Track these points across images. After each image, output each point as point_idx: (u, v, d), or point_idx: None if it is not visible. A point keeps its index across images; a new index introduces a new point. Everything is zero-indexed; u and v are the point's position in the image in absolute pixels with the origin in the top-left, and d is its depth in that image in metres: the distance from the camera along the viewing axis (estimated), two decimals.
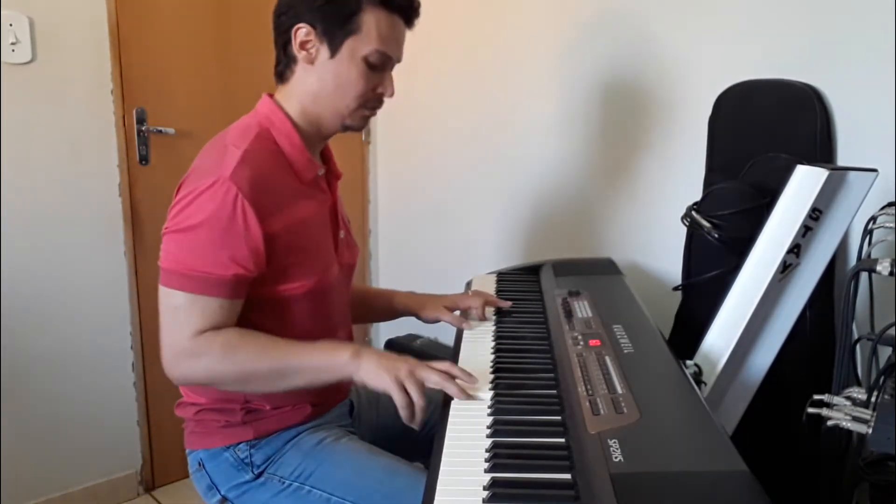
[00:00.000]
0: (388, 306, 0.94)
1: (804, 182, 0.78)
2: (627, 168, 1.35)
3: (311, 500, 0.71)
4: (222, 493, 0.75)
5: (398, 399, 0.63)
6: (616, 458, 0.52)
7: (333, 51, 0.69)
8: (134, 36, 1.40)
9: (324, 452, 0.74)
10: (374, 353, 0.67)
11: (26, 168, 1.29)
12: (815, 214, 0.78)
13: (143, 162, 1.44)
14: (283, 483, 0.73)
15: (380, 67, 0.71)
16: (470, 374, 0.66)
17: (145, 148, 1.44)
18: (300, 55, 0.70)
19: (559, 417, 0.61)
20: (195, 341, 0.65)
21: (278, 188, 0.69)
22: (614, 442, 0.54)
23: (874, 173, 0.77)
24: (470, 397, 0.64)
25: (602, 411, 0.60)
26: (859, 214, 0.80)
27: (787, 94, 1.00)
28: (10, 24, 1.23)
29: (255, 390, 0.71)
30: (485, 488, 0.49)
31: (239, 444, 0.74)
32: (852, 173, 0.76)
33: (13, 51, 1.24)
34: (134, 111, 1.41)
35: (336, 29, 0.68)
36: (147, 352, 1.49)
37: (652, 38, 1.24)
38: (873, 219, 0.79)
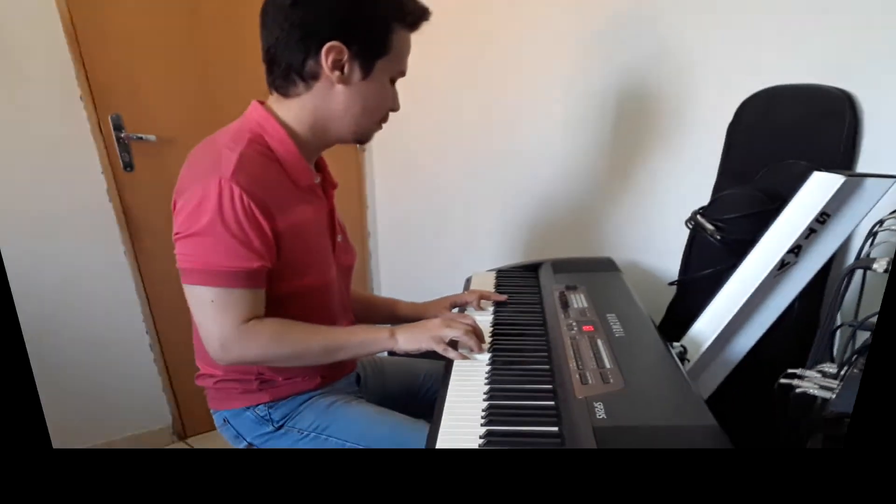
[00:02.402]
0: (391, 313, 0.98)
1: (818, 187, 0.78)
2: (628, 172, 1.33)
3: (328, 446, 0.78)
4: (248, 440, 0.82)
5: (439, 350, 0.74)
6: (600, 415, 0.58)
7: (366, 72, 0.67)
8: (93, 36, 1.27)
9: (337, 412, 0.81)
10: (406, 329, 0.76)
11: (5, 176, 1.23)
12: (822, 218, 0.78)
13: (128, 168, 1.39)
14: (302, 433, 0.80)
15: (393, 85, 0.72)
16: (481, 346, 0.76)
17: (128, 155, 1.38)
18: (333, 75, 0.67)
19: (549, 386, 0.68)
20: (242, 329, 0.68)
21: (278, 190, 0.69)
22: (599, 404, 0.60)
23: (892, 179, 0.75)
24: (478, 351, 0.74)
25: (590, 381, 0.66)
26: (868, 218, 0.78)
27: (817, 100, 0.95)
28: None
29: (305, 364, 0.76)
30: (481, 437, 0.55)
31: (258, 405, 0.81)
32: (869, 179, 0.75)
33: None
34: (109, 117, 1.33)
35: (370, 50, 0.66)
36: (161, 333, 1.55)
37: (666, 41, 1.17)
38: (880, 222, 0.79)
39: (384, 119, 0.74)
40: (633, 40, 1.22)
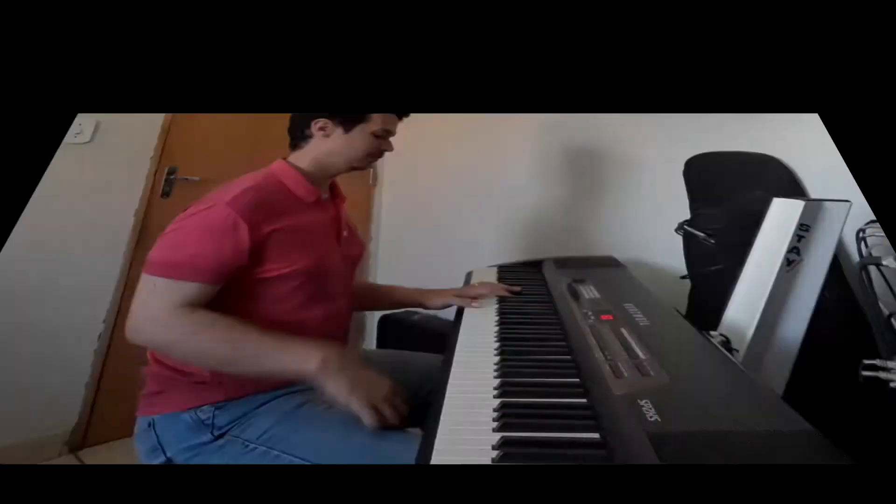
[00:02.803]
0: (391, 297, 1.00)
1: (782, 213, 0.82)
2: (628, 170, 1.34)
3: (280, 463, 0.62)
4: (168, 454, 0.66)
5: (367, 421, 0.60)
6: (651, 417, 0.43)
7: (347, 130, 0.84)
8: (180, 133, 1.52)
9: (305, 416, 0.65)
10: (346, 372, 0.62)
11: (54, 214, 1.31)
12: (804, 229, 0.81)
13: (164, 196, 1.50)
14: (247, 446, 0.64)
15: (384, 137, 0.86)
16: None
17: (170, 187, 1.51)
18: (317, 134, 0.84)
19: (577, 379, 0.52)
20: (168, 313, 0.65)
21: (278, 207, 0.75)
22: (645, 402, 0.45)
23: (847, 203, 0.81)
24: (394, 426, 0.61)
25: (625, 374, 0.51)
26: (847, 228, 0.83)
27: (749, 161, 1.12)
28: (80, 124, 1.35)
29: (207, 366, 0.68)
30: (494, 447, 0.39)
31: (203, 406, 0.67)
32: (827, 203, 0.81)
33: (75, 137, 1.35)
34: (166, 168, 1.51)
35: (350, 120, 0.83)
36: (119, 327, 1.42)
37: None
38: (862, 230, 0.83)
39: (374, 157, 0.87)
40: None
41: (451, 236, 1.67)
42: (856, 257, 0.89)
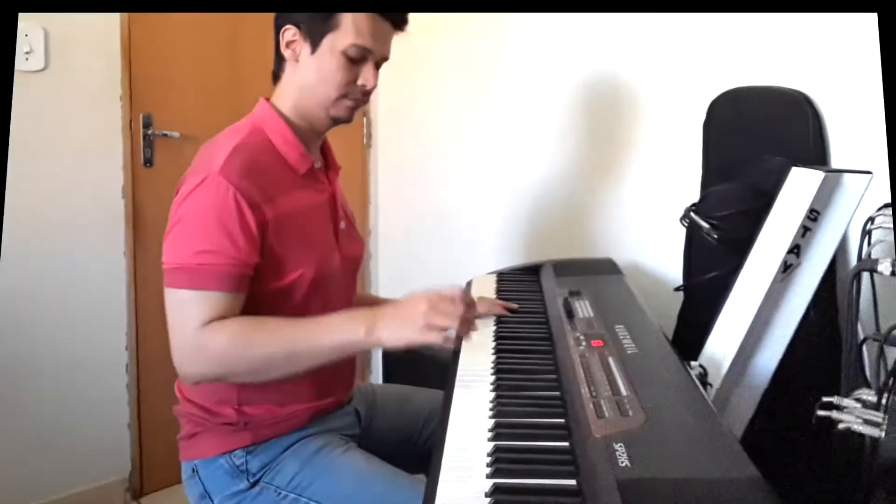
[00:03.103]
0: None
1: (800, 184, 0.79)
2: (626, 170, 1.35)
3: None
4: (216, 502, 0.73)
5: (431, 342, 0.64)
6: (622, 463, 0.50)
7: (314, 47, 0.73)
8: (144, 46, 1.43)
9: (323, 462, 0.72)
10: (387, 318, 0.65)
11: (32, 171, 1.29)
12: (813, 215, 0.79)
13: (147, 164, 1.46)
14: (280, 493, 0.70)
15: (359, 60, 0.74)
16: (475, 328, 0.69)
17: (150, 151, 1.45)
18: (286, 53, 0.75)
19: (562, 420, 0.60)
20: (202, 332, 0.64)
21: (270, 178, 0.70)
22: (620, 446, 0.52)
23: (869, 175, 0.78)
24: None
25: (607, 414, 0.58)
26: (857, 216, 0.81)
27: (778, 100, 1.03)
28: (26, 35, 1.26)
29: (270, 378, 0.68)
30: (486, 495, 0.47)
31: (235, 450, 0.72)
32: (847, 175, 0.77)
33: (27, 59, 1.27)
34: (141, 116, 1.44)
35: (316, 27, 0.72)
36: (142, 354, 1.46)
37: (648, 46, 1.28)
38: (871, 220, 0.80)
39: (356, 95, 0.76)
40: (617, 48, 1.32)
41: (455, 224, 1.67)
42: (854, 260, 0.89)
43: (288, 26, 0.73)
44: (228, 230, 0.65)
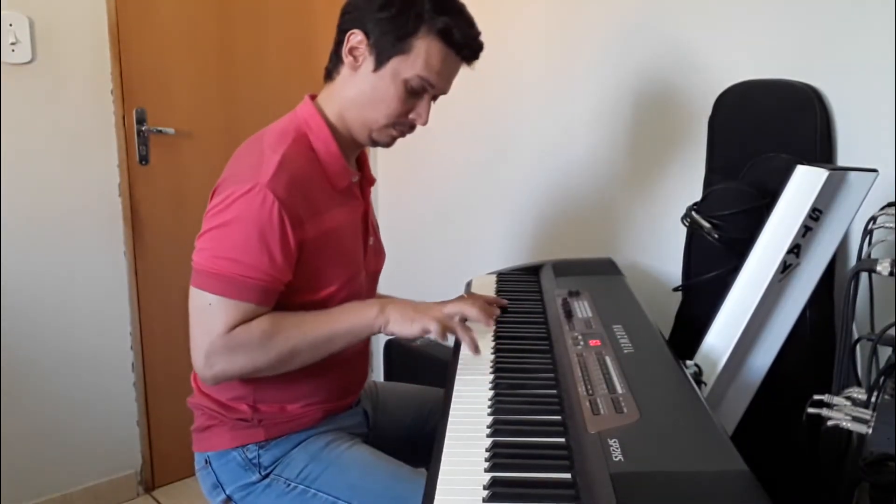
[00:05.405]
0: None
1: (804, 182, 0.79)
2: (628, 169, 1.35)
3: (316, 503, 0.71)
4: (227, 492, 0.75)
5: (436, 335, 0.69)
6: (616, 457, 0.52)
7: (378, 65, 0.70)
8: (134, 36, 1.39)
9: (331, 456, 0.74)
10: (399, 304, 0.71)
11: (26, 169, 1.28)
12: (815, 214, 0.78)
13: (143, 162, 1.44)
14: (289, 485, 0.73)
15: (419, 93, 0.72)
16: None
17: (145, 148, 1.43)
18: (346, 59, 0.71)
19: (559, 417, 0.61)
20: (229, 337, 0.65)
21: (313, 195, 0.70)
22: (614, 441, 0.54)
23: (874, 174, 0.78)
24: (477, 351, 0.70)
25: (602, 411, 0.60)
26: (859, 214, 0.81)
27: (787, 95, 1.01)
28: (10, 25, 1.21)
29: (293, 367, 0.70)
30: (485, 487, 0.49)
31: (248, 444, 0.74)
32: (852, 173, 0.77)
33: (13, 51, 1.23)
34: (134, 111, 1.41)
35: (386, 45, 0.69)
36: (147, 352, 1.48)
37: (651, 41, 1.25)
38: (873, 219, 0.80)
39: (403, 127, 0.74)
40: (619, 48, 1.31)
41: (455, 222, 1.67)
42: (854, 260, 0.90)
43: (356, 31, 0.69)
44: (268, 246, 0.65)
